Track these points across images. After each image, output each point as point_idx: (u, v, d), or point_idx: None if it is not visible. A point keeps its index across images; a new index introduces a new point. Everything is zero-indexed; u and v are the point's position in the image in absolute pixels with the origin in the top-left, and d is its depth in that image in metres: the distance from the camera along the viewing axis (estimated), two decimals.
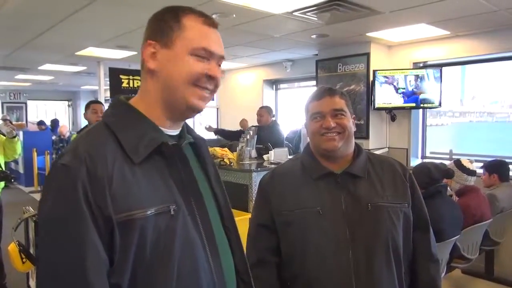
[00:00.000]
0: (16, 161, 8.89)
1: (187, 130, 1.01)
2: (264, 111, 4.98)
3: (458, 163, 3.07)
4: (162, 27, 0.90)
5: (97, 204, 0.77)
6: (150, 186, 0.83)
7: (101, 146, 0.83)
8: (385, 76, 4.55)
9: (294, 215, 1.34)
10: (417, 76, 4.50)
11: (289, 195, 1.38)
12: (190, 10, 0.92)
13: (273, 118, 5.18)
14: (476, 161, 3.39)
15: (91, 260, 0.76)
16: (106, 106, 4.29)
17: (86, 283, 0.75)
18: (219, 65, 0.94)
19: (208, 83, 0.90)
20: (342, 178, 1.35)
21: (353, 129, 1.40)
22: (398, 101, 4.57)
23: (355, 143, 1.44)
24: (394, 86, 4.54)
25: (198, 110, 0.92)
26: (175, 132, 0.96)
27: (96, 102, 4.07)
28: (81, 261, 0.76)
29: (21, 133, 7.98)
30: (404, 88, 4.53)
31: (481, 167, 3.51)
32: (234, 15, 3.49)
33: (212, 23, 0.92)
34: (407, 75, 4.53)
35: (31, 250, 1.29)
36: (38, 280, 0.79)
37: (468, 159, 3.14)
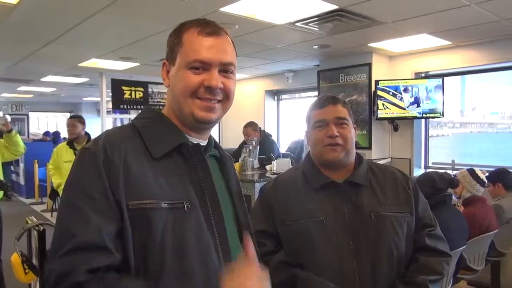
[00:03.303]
0: (17, 173, 8.87)
1: (214, 145, 1.03)
2: (249, 130, 4.94)
3: (472, 172, 3.06)
4: (170, 46, 0.95)
5: (111, 187, 0.81)
6: (167, 182, 0.86)
7: (123, 139, 0.88)
8: (388, 86, 4.56)
9: (298, 225, 1.33)
10: (419, 86, 4.51)
11: (292, 205, 1.36)
12: (191, 24, 0.94)
13: (261, 129, 5.16)
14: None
15: (97, 204, 0.80)
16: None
17: (89, 219, 0.78)
18: (227, 71, 0.93)
19: (208, 93, 0.91)
20: (344, 187, 1.35)
21: (354, 139, 1.40)
22: (400, 110, 4.57)
23: (356, 152, 1.44)
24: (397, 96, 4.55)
25: (205, 121, 0.93)
26: (201, 142, 0.98)
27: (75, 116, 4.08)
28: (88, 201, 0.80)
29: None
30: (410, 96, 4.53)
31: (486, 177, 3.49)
32: (237, 26, 3.51)
33: (209, 32, 0.92)
34: (409, 85, 4.54)
35: (34, 261, 1.28)
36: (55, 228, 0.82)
37: (481, 170, 3.13)
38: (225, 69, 0.93)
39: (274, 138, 5.84)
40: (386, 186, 1.37)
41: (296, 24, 3.47)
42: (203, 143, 0.99)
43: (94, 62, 5.29)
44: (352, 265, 1.26)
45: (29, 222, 1.30)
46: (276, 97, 6.95)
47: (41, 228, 1.18)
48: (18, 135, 3.49)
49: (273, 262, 1.32)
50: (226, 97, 0.94)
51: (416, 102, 4.51)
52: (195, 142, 0.96)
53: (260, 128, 5.10)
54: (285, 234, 1.36)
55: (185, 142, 0.92)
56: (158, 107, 1.04)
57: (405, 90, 4.54)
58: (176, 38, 0.94)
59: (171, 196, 0.85)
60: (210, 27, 0.93)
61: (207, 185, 0.92)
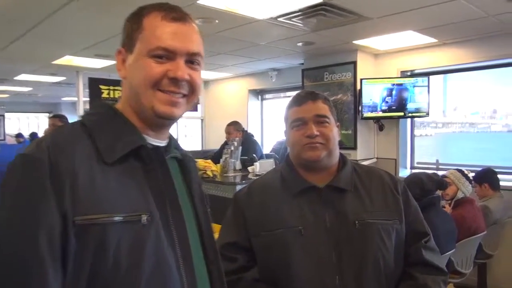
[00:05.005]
0: None
1: (175, 146, 0.93)
2: (231, 128, 4.84)
3: (462, 172, 3.02)
4: (128, 31, 0.85)
5: (54, 197, 0.69)
6: (122, 191, 0.75)
7: (70, 141, 0.76)
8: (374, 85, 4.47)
9: (273, 236, 1.18)
10: (404, 85, 4.43)
11: (268, 214, 1.22)
12: (153, 8, 0.84)
13: (245, 130, 5.05)
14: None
15: (45, 239, 0.68)
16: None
17: (40, 259, 0.66)
18: (194, 62, 0.84)
19: (172, 86, 0.81)
20: (325, 192, 1.21)
21: (337, 138, 1.26)
22: (385, 110, 4.48)
23: (340, 153, 1.30)
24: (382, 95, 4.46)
25: (168, 117, 0.82)
26: (160, 143, 0.87)
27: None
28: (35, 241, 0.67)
29: None
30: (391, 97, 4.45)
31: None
32: (217, 21, 3.35)
33: (174, 17, 0.82)
34: (394, 84, 4.45)
35: None
36: None
37: (466, 170, 3.10)
38: (192, 60, 0.83)
39: (257, 138, 5.71)
40: (372, 190, 1.24)
41: (279, 19, 3.33)
42: (163, 143, 0.88)
43: (69, 60, 5.05)
44: (334, 280, 1.13)
45: None
46: (259, 96, 6.81)
47: None
48: None
49: (245, 281, 1.17)
50: (192, 91, 0.84)
51: (402, 101, 4.43)
52: (155, 144, 0.83)
53: (243, 128, 4.97)
54: (259, 246, 1.21)
55: (144, 144, 0.80)
56: (112, 101, 0.88)
57: (391, 88, 4.45)
58: (135, 22, 0.83)
59: (127, 207, 0.74)
60: (175, 12, 0.83)
61: (168, 193, 0.82)
